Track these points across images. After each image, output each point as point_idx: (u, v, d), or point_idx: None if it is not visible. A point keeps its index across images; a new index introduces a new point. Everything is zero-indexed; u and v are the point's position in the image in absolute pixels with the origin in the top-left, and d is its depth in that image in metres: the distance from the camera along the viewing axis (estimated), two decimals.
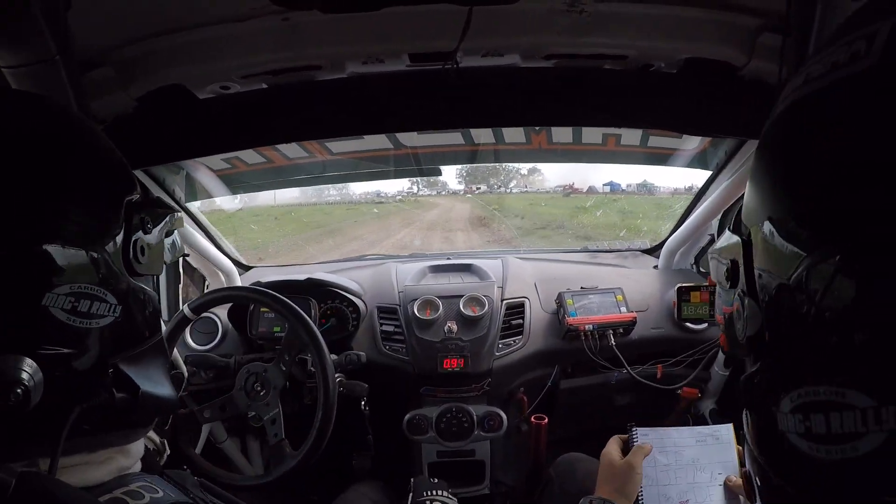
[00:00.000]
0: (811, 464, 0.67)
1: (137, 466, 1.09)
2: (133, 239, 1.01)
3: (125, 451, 1.06)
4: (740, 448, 1.85)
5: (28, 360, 0.84)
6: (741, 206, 0.92)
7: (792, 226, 0.70)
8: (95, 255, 0.93)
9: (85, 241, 0.92)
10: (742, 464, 1.93)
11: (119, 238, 0.99)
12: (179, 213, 1.19)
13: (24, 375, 0.83)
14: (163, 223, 1.12)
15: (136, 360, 1.03)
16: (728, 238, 0.94)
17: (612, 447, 1.94)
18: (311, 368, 2.41)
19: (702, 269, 3.47)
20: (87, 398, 0.93)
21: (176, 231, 1.20)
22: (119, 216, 0.99)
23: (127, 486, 0.95)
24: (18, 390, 0.81)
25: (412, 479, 2.15)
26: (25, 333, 0.86)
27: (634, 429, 1.97)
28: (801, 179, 0.70)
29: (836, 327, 0.65)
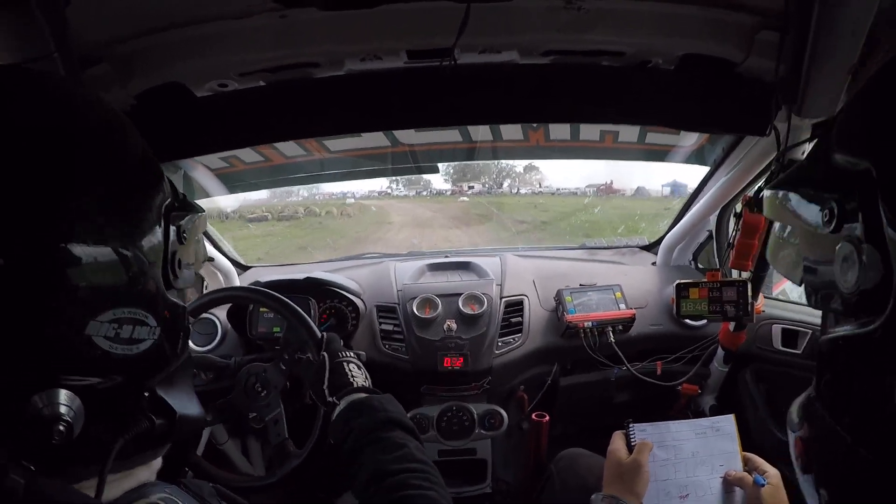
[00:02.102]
0: None
1: (153, 478, 1.08)
2: (171, 252, 0.98)
3: (147, 466, 1.05)
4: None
5: (66, 393, 0.81)
6: (828, 137, 0.83)
7: None
8: (140, 272, 0.90)
9: (129, 257, 0.88)
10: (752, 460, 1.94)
11: (160, 252, 0.96)
12: (204, 213, 1.15)
13: (65, 409, 0.81)
14: (193, 229, 1.08)
15: (168, 380, 1.02)
16: (808, 175, 0.88)
17: (619, 444, 1.93)
18: None
19: (700, 266, 3.48)
20: (129, 428, 0.92)
21: (201, 234, 1.17)
22: (158, 225, 0.96)
23: (147, 498, 0.94)
24: (61, 427, 0.80)
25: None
26: (64, 364, 0.83)
27: (631, 425, 1.97)
28: None
29: None
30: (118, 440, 0.89)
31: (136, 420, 0.93)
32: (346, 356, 2.09)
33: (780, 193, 0.93)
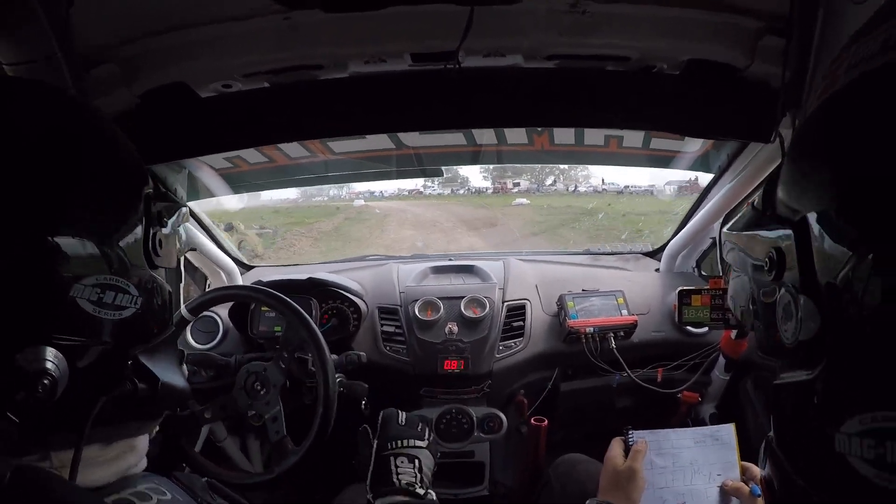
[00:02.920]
0: (873, 491, 0.62)
1: (143, 464, 1.10)
2: (152, 232, 1.02)
3: (134, 448, 1.07)
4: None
5: (52, 350, 0.84)
6: (775, 182, 0.84)
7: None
8: (119, 246, 0.94)
9: (109, 233, 0.93)
10: (752, 467, 1.94)
11: (139, 230, 1.00)
12: (186, 209, 1.20)
13: (50, 365, 0.83)
14: (175, 216, 1.13)
15: (152, 351, 1.05)
16: (758, 220, 0.88)
17: (616, 451, 1.93)
18: (312, 368, 2.41)
19: (703, 273, 3.48)
20: (111, 389, 0.95)
21: (182, 226, 1.21)
22: (139, 208, 1.00)
23: (134, 488, 0.95)
24: (45, 381, 0.82)
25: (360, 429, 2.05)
26: (51, 324, 0.86)
27: (631, 431, 1.97)
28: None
29: None
30: (100, 399, 0.92)
31: (119, 382, 0.97)
32: (400, 447, 1.92)
33: (735, 235, 0.96)
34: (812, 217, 0.70)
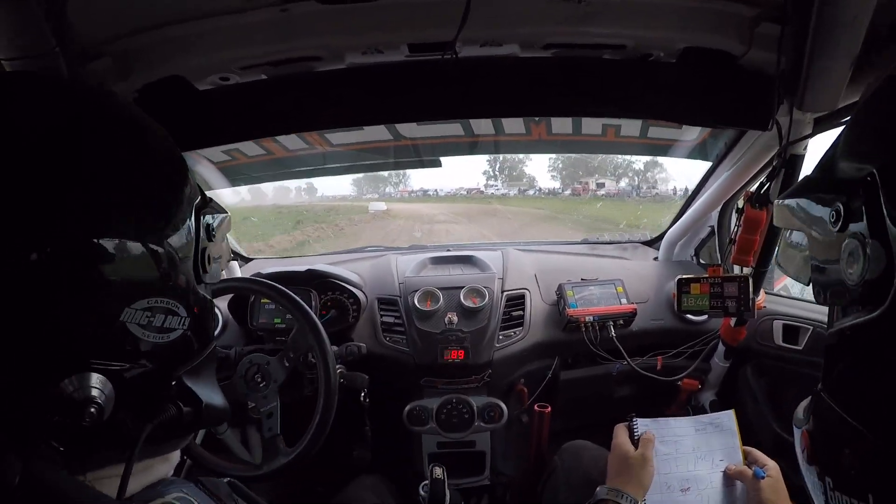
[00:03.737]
0: None
1: (171, 471, 1.10)
2: (202, 248, 1.01)
3: (167, 459, 1.07)
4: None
5: (98, 377, 0.83)
6: (843, 142, 0.87)
7: None
8: (172, 265, 0.93)
9: (162, 249, 0.91)
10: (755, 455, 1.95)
11: (191, 245, 0.98)
12: (229, 215, 1.18)
13: (96, 392, 0.82)
14: (220, 227, 1.11)
15: (195, 371, 1.03)
16: (818, 185, 0.90)
17: (624, 438, 1.95)
18: (312, 360, 2.41)
19: (702, 261, 3.48)
20: (157, 414, 0.94)
21: (227, 234, 1.19)
22: (191, 224, 0.98)
23: (163, 498, 0.94)
24: (92, 409, 0.81)
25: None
26: (98, 348, 0.85)
27: (635, 419, 1.98)
28: None
29: None
30: (146, 426, 0.91)
31: (165, 407, 0.95)
32: None
33: (791, 202, 0.96)
34: (877, 173, 0.71)
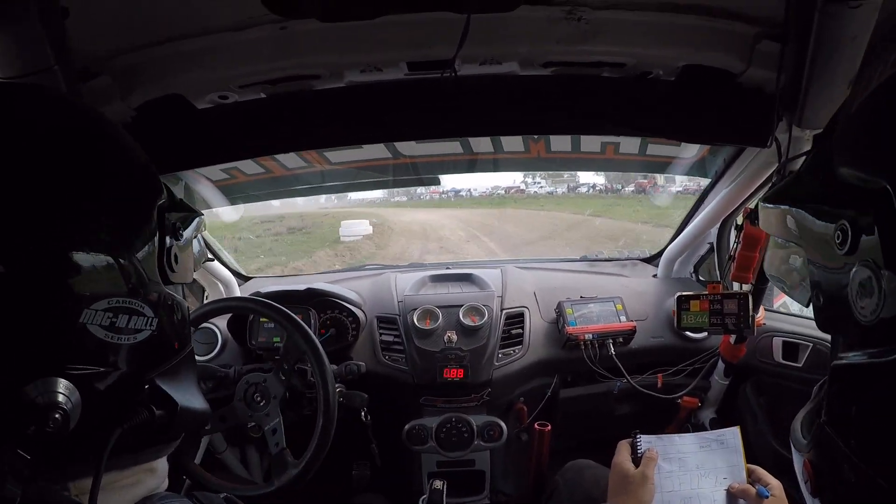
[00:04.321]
0: None
1: (164, 485, 1.08)
2: (167, 246, 0.99)
3: (153, 471, 1.05)
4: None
5: (63, 382, 0.81)
6: (843, 145, 0.80)
7: None
8: (131, 264, 0.90)
9: (119, 248, 0.89)
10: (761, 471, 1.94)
11: (154, 245, 0.96)
12: (203, 216, 1.17)
13: (61, 398, 0.80)
14: (191, 227, 1.09)
15: (170, 373, 1.01)
16: (815, 188, 0.85)
17: (625, 456, 1.94)
18: (311, 379, 2.41)
19: (701, 278, 3.48)
20: (128, 418, 0.91)
21: (200, 235, 1.18)
22: (152, 221, 0.97)
23: None
24: (57, 415, 0.79)
25: None
26: (61, 353, 0.83)
27: (639, 436, 1.97)
28: None
29: None
30: (116, 430, 0.89)
31: (136, 410, 0.93)
32: None
33: (781, 208, 0.91)
34: (892, 190, 0.65)
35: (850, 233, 0.71)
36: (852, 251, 0.71)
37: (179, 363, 1.04)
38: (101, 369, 0.87)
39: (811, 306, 0.86)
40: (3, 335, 0.79)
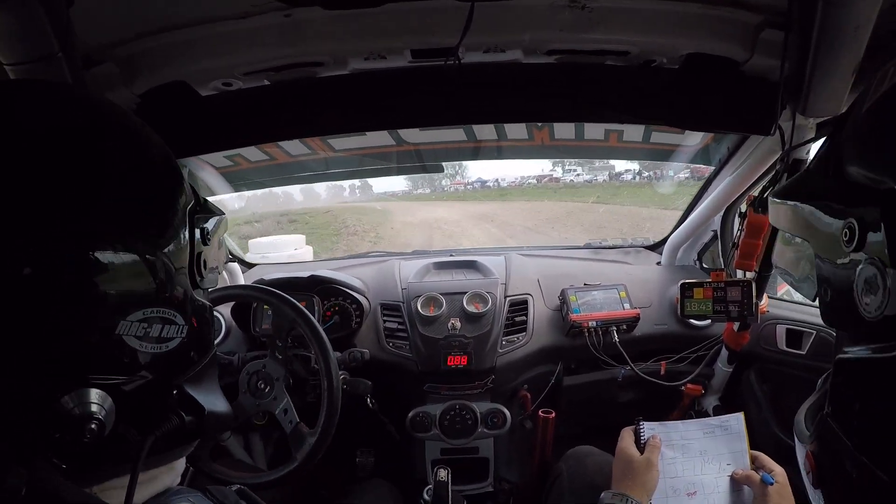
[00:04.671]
0: None
1: (178, 479, 1.09)
2: (197, 252, 0.99)
3: (172, 469, 1.06)
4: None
5: (98, 392, 0.82)
6: (836, 143, 0.83)
7: None
8: (167, 273, 0.91)
9: (155, 258, 0.89)
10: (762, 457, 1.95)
11: (186, 251, 0.97)
12: (225, 216, 1.16)
13: (96, 408, 0.81)
14: (215, 230, 1.08)
15: (196, 378, 1.02)
16: (822, 186, 0.86)
17: (629, 442, 1.94)
18: (315, 366, 2.41)
19: (705, 266, 3.49)
20: (159, 425, 0.92)
21: (223, 236, 1.18)
22: (183, 227, 0.97)
23: None
24: (93, 425, 0.80)
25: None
26: (95, 363, 0.84)
27: (642, 423, 1.98)
28: None
29: None
30: (148, 438, 0.90)
31: (166, 417, 0.94)
32: None
33: (790, 203, 0.92)
34: None
35: (857, 231, 0.72)
36: (859, 249, 0.72)
37: (204, 367, 1.05)
38: (132, 377, 0.88)
39: (818, 300, 0.87)
40: (41, 343, 0.79)
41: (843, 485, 0.79)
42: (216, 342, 3.00)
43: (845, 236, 0.74)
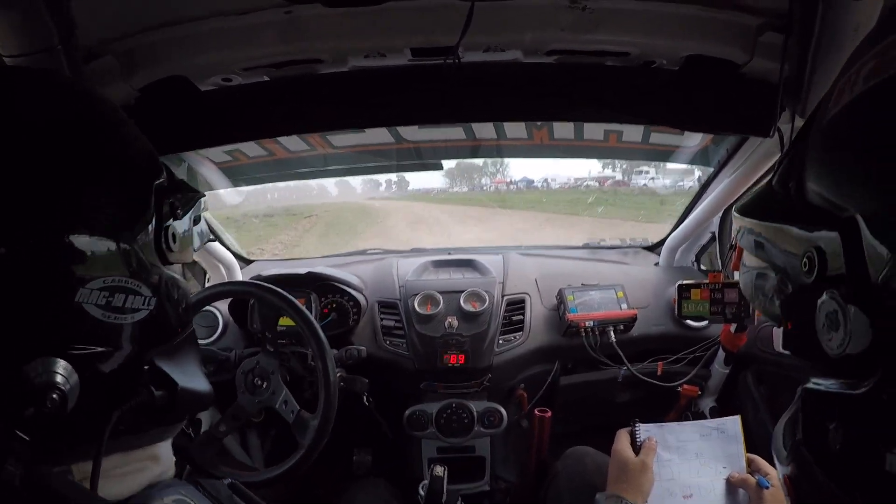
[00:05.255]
0: None
1: (170, 472, 1.07)
2: (165, 226, 0.98)
3: (156, 458, 1.04)
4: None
5: (61, 362, 0.81)
6: (796, 162, 0.78)
7: None
8: (127, 244, 0.90)
9: (116, 230, 0.88)
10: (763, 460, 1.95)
11: (151, 226, 0.96)
12: (205, 196, 1.16)
13: (59, 378, 0.80)
14: (192, 208, 1.08)
15: (170, 353, 1.01)
16: (784, 207, 0.80)
17: (624, 444, 1.95)
18: (312, 363, 2.42)
19: (702, 267, 3.49)
20: (127, 399, 0.91)
21: (203, 216, 1.17)
22: (150, 202, 0.96)
23: (161, 500, 0.92)
24: (55, 395, 0.79)
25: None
26: (57, 333, 0.83)
27: (638, 425, 1.98)
28: None
29: None
30: (115, 411, 0.89)
31: (135, 391, 0.93)
32: None
33: (754, 225, 0.89)
34: (861, 220, 0.62)
35: (816, 262, 0.69)
36: (819, 280, 0.69)
37: (180, 343, 1.04)
38: (100, 349, 0.87)
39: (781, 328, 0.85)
40: (3, 316, 0.79)
41: None
42: (213, 338, 3.02)
43: (805, 266, 0.71)
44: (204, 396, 1.11)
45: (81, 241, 0.83)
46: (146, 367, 0.95)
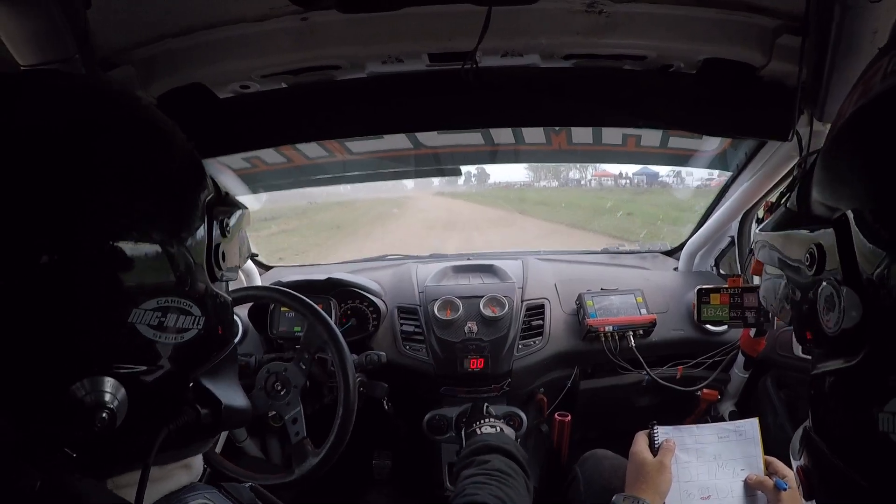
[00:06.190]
0: None
1: (197, 479, 1.07)
2: (215, 244, 0.99)
3: (188, 467, 1.05)
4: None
5: (110, 381, 0.82)
6: (808, 183, 0.87)
7: None
8: (183, 261, 0.91)
9: (173, 246, 0.89)
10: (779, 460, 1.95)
11: (203, 242, 0.96)
12: (248, 210, 1.15)
13: (108, 397, 0.81)
14: (236, 224, 1.08)
15: (213, 371, 1.01)
16: (794, 220, 0.91)
17: (642, 445, 1.95)
18: (332, 368, 2.42)
19: (722, 272, 3.47)
20: (174, 417, 0.92)
21: (245, 230, 1.17)
22: (202, 217, 0.97)
23: None
24: (104, 414, 0.80)
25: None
26: (108, 352, 0.83)
27: (656, 426, 1.98)
28: None
29: None
30: (162, 430, 0.89)
31: (182, 410, 0.93)
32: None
33: (768, 236, 0.98)
34: (850, 215, 0.72)
35: (816, 255, 0.78)
36: (819, 272, 0.79)
37: (222, 361, 1.04)
38: (148, 368, 0.87)
39: (791, 328, 0.91)
40: (52, 330, 0.79)
41: (828, 493, 0.83)
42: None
43: (807, 261, 0.81)
44: (245, 413, 1.11)
45: (134, 253, 0.83)
46: (191, 385, 0.96)
